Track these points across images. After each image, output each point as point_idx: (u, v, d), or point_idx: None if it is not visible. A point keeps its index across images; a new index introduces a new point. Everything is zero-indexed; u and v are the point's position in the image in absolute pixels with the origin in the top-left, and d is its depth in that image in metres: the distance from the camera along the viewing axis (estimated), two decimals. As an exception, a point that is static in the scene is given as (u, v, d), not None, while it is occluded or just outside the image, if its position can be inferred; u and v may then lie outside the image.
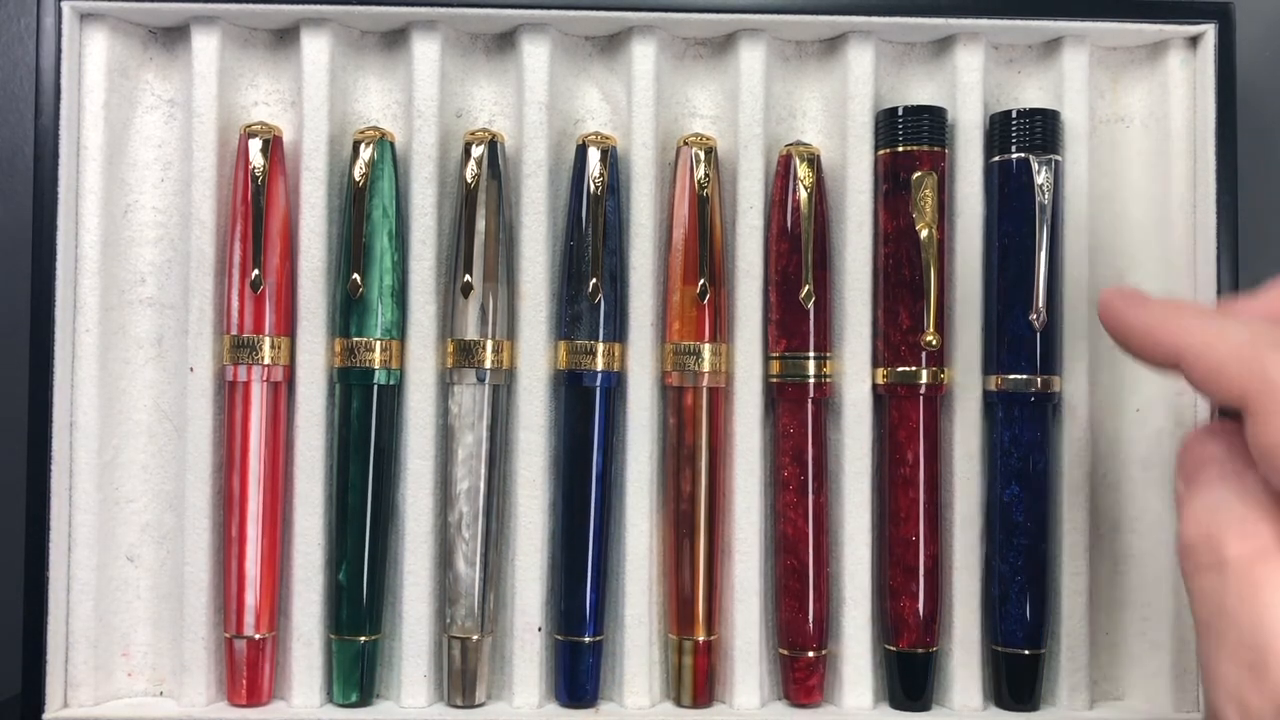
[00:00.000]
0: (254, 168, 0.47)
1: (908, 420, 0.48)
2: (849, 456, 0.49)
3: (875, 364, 0.49)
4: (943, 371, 0.48)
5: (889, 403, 0.49)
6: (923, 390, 0.48)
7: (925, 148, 0.48)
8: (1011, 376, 0.48)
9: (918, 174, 0.48)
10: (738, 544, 0.48)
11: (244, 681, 0.47)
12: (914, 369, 0.48)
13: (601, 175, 0.48)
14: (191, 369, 0.48)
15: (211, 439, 0.48)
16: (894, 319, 0.48)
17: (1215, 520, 0.32)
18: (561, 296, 0.49)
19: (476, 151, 0.48)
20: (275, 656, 0.48)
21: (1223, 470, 0.33)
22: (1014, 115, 0.49)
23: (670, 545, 0.49)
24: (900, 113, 0.48)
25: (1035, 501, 0.48)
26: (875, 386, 0.49)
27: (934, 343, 0.48)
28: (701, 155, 0.48)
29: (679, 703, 0.48)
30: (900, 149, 0.48)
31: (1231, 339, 0.32)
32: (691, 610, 0.48)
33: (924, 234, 0.47)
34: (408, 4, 0.47)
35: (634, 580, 0.48)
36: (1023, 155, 0.48)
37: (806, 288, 0.48)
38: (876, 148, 0.49)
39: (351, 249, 0.48)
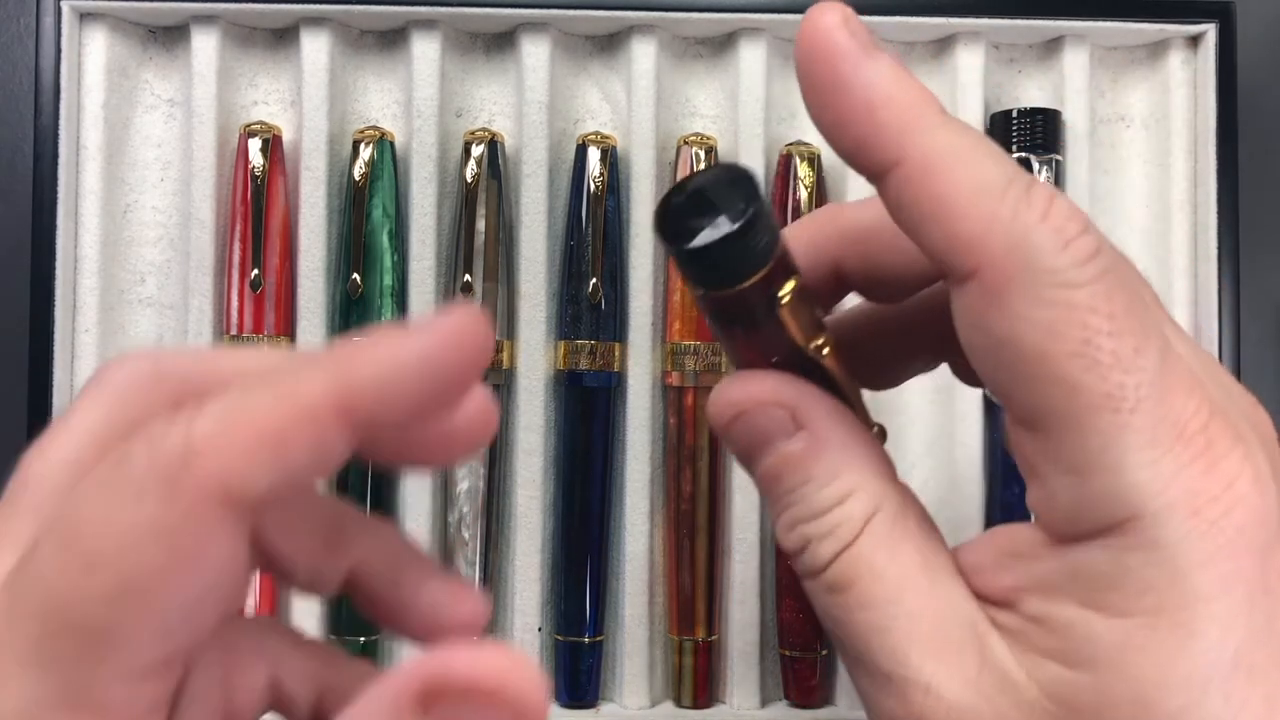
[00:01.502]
0: (253, 167, 0.47)
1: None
2: (849, 456, 0.48)
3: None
4: (943, 371, 0.48)
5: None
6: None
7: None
8: (1012, 376, 0.47)
9: None
10: (738, 544, 0.48)
11: (244, 682, 0.47)
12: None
13: (601, 175, 0.48)
14: (191, 369, 0.48)
15: (211, 439, 0.48)
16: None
17: (798, 515, 0.26)
18: (561, 296, 0.49)
19: (476, 151, 0.48)
20: (275, 657, 0.48)
21: (814, 435, 0.26)
22: (1014, 115, 0.48)
23: (670, 545, 0.49)
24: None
25: (1036, 502, 0.48)
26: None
27: None
28: (702, 155, 0.48)
29: (679, 703, 0.48)
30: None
31: (987, 174, 0.23)
32: (692, 610, 0.48)
33: None
34: (407, 3, 0.47)
35: (634, 580, 0.48)
36: (1023, 155, 0.48)
37: (807, 288, 0.48)
38: None
39: (351, 249, 0.47)
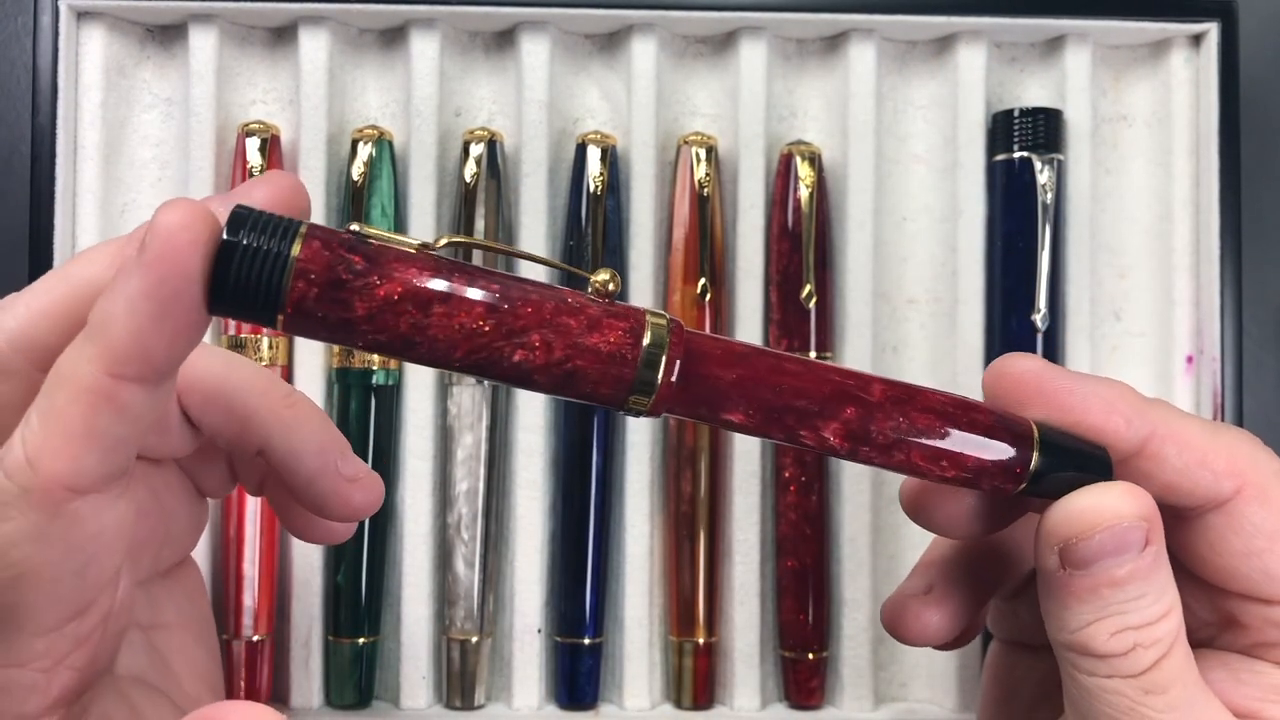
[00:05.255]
0: (252, 167, 0.47)
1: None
2: (850, 457, 0.48)
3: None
4: (944, 372, 0.48)
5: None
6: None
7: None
8: (1013, 377, 0.47)
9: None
10: (738, 545, 0.48)
11: (242, 683, 0.47)
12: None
13: (601, 174, 0.48)
14: (189, 369, 0.47)
15: (209, 439, 0.48)
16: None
17: (1129, 622, 0.28)
18: (561, 296, 0.48)
19: (475, 150, 0.48)
20: (274, 658, 0.48)
21: (1159, 550, 0.28)
22: (1016, 114, 0.48)
23: (670, 546, 0.49)
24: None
25: (1037, 502, 0.48)
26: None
27: None
28: (702, 154, 0.48)
29: (679, 705, 0.48)
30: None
31: (1201, 423, 0.30)
32: (692, 612, 0.48)
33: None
34: (406, 2, 0.47)
35: (634, 582, 0.48)
36: (1025, 154, 0.48)
37: (808, 288, 0.48)
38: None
39: (350, 248, 0.47)
